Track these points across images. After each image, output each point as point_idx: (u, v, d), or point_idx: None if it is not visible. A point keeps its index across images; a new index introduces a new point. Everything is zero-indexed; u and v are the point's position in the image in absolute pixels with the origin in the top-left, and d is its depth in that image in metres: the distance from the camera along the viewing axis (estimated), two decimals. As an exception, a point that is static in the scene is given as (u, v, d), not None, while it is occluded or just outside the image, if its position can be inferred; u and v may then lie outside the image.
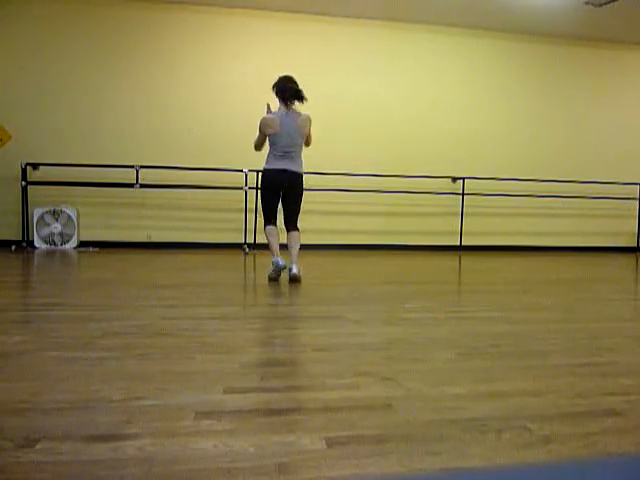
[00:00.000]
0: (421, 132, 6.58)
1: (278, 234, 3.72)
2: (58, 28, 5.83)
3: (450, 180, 6.61)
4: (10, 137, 5.59)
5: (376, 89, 6.46)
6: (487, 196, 6.71)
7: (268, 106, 3.74)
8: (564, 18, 6.12)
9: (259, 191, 3.92)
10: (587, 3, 5.61)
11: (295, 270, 3.61)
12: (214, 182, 6.04)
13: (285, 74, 3.69)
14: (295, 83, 3.63)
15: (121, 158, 5.93)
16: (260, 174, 3.77)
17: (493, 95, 6.76)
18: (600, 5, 5.63)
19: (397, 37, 6.45)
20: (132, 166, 5.78)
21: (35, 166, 5.77)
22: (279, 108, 3.67)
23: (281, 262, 3.61)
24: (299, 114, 3.66)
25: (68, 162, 5.79)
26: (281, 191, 3.69)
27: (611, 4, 5.57)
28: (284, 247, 3.72)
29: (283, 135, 3.59)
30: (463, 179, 6.54)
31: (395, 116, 6.51)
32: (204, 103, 6.07)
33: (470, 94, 6.70)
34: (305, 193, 6.43)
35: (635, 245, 7.11)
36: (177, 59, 6.07)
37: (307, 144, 3.80)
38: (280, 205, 3.75)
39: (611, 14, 5.89)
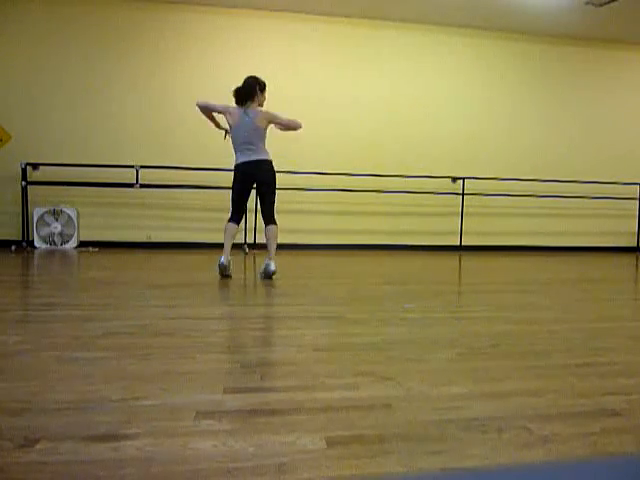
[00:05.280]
0: (421, 132, 6.58)
1: (234, 234, 3.76)
2: (58, 28, 5.82)
3: (450, 180, 6.61)
4: (10, 137, 5.59)
5: (377, 90, 6.46)
6: (487, 196, 6.71)
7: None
8: (565, 18, 6.12)
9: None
10: (588, 3, 5.61)
11: (272, 267, 3.68)
12: (214, 182, 6.03)
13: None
14: (247, 84, 3.72)
15: (121, 158, 5.92)
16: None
17: (493, 95, 6.76)
18: (601, 5, 5.63)
19: (399, 38, 6.45)
20: (132, 166, 5.78)
21: (35, 166, 5.77)
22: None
23: (223, 261, 3.66)
24: (255, 112, 3.70)
25: (68, 162, 5.79)
26: (250, 184, 3.77)
27: (611, 4, 5.57)
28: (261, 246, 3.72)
29: (240, 131, 3.69)
30: (463, 179, 6.54)
31: (395, 116, 6.50)
32: (204, 103, 6.06)
33: (470, 94, 6.69)
34: (306, 193, 6.35)
35: (635, 245, 7.11)
36: (177, 59, 6.06)
37: (290, 128, 3.78)
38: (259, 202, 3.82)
39: (612, 14, 5.90)
